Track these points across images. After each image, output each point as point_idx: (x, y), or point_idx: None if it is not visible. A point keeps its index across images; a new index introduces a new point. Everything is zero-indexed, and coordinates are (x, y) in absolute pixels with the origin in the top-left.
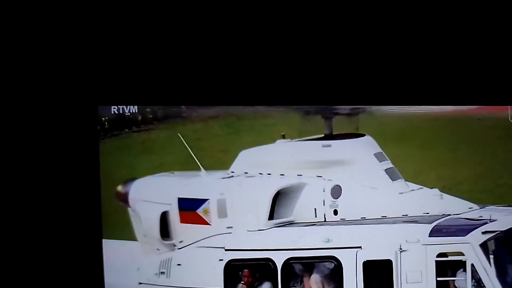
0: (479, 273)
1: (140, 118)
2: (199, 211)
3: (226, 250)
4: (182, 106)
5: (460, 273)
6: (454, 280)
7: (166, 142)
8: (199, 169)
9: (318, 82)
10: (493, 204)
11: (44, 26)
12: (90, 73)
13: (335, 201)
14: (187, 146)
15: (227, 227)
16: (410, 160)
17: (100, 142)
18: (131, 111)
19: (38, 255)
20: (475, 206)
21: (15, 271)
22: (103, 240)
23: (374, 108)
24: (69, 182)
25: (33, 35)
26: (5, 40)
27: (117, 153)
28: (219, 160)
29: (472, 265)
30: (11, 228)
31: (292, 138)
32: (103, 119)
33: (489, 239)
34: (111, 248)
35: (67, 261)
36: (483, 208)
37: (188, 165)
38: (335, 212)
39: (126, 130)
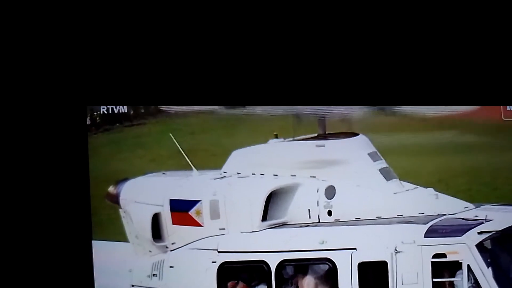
0: (475, 274)
1: (132, 112)
2: (192, 212)
3: (219, 252)
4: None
5: (459, 274)
6: (451, 281)
7: (159, 137)
8: (191, 168)
9: (311, 81)
10: (490, 200)
11: (36, 27)
12: (80, 72)
13: (329, 202)
14: (179, 147)
15: (220, 229)
16: (405, 154)
17: (92, 137)
18: (120, 111)
19: (25, 257)
20: (470, 206)
21: None
22: (94, 241)
23: (368, 107)
24: (57, 182)
25: (23, 35)
26: None
27: (108, 148)
28: (211, 160)
29: (468, 265)
30: None
31: (285, 137)
32: (95, 114)
33: (485, 239)
34: (102, 250)
35: (56, 263)
36: (479, 207)
37: (180, 161)
38: (329, 213)
39: (118, 124)
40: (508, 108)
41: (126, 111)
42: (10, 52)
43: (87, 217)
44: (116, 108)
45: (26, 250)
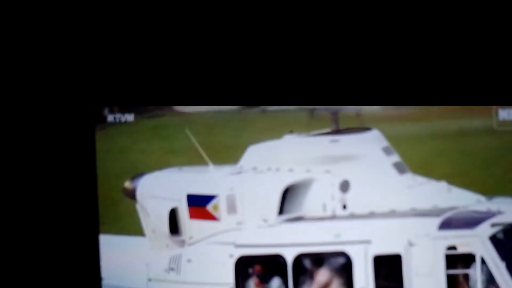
0: (488, 266)
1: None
2: (209, 207)
3: (236, 246)
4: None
5: (473, 266)
6: (465, 273)
7: (176, 130)
8: (207, 163)
9: (324, 82)
10: (504, 192)
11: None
12: (88, 73)
13: (344, 196)
14: (195, 143)
15: (237, 223)
16: (418, 149)
17: (111, 128)
18: (127, 120)
19: (37, 253)
20: (482, 198)
21: (5, 270)
22: (106, 235)
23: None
24: (66, 179)
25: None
26: (5, 42)
27: (127, 139)
28: (228, 155)
29: (482, 258)
30: (5, 226)
31: (299, 133)
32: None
33: (498, 232)
34: (120, 244)
35: (65, 256)
36: (491, 200)
37: (197, 154)
38: (344, 207)
39: (137, 115)
40: (500, 117)
41: (133, 119)
42: (20, 53)
43: (96, 211)
44: (123, 117)
45: (39, 246)
